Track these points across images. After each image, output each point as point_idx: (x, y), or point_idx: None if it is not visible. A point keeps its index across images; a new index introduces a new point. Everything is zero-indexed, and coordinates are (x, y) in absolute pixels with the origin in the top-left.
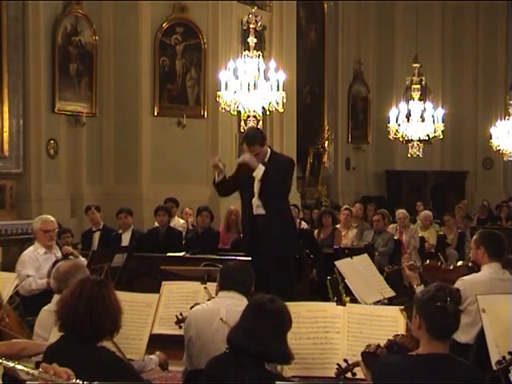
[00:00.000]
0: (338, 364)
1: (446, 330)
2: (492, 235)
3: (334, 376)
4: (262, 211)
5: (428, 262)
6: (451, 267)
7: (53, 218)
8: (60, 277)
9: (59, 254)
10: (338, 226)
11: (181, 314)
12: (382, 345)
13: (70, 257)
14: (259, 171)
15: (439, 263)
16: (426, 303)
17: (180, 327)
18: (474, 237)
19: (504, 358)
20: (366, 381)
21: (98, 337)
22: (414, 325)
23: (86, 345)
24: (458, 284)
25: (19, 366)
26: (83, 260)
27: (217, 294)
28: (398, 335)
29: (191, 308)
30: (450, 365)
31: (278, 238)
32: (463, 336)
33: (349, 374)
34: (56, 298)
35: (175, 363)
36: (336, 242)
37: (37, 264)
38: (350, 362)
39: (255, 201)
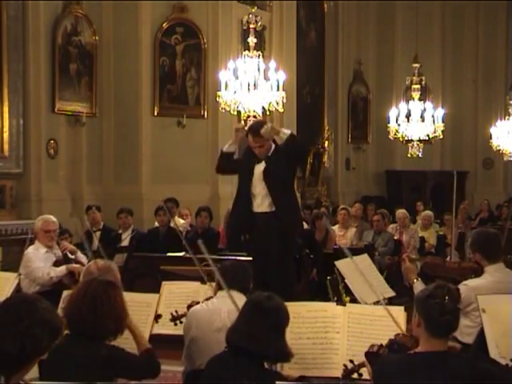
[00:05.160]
0: (344, 365)
1: (444, 327)
2: (484, 237)
3: (335, 376)
4: (265, 209)
5: (429, 258)
6: (456, 265)
7: (54, 219)
8: (87, 276)
9: (60, 253)
10: (336, 226)
11: (176, 312)
12: (384, 344)
13: (68, 253)
14: (284, 135)
15: (443, 261)
16: (424, 300)
17: (175, 324)
18: (469, 241)
19: (507, 365)
20: (370, 381)
21: (100, 336)
22: (414, 323)
23: (87, 343)
24: (461, 289)
25: None
26: (83, 256)
27: (215, 294)
28: (399, 334)
29: (188, 306)
30: (448, 362)
31: (270, 233)
32: (465, 337)
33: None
34: None
35: (175, 363)
36: (330, 244)
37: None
38: (355, 363)
39: (259, 198)
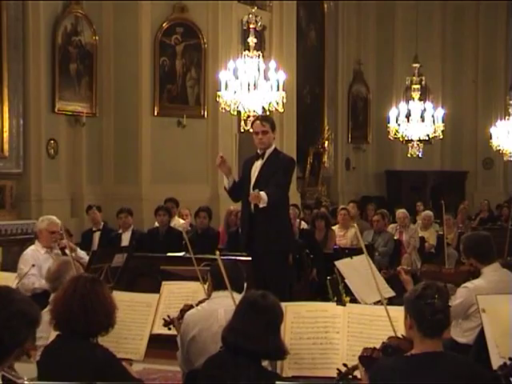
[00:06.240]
0: (338, 369)
1: (436, 327)
2: (475, 241)
3: (334, 377)
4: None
5: (425, 266)
6: (452, 271)
7: (58, 220)
8: (52, 276)
9: (60, 253)
10: (336, 226)
11: (168, 317)
12: (377, 347)
13: (67, 251)
14: (264, 200)
15: (439, 268)
16: (414, 302)
17: (169, 329)
18: (461, 247)
19: (505, 364)
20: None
21: (93, 333)
22: (406, 325)
23: (81, 342)
24: (462, 292)
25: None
26: (83, 253)
27: (209, 296)
28: (392, 337)
29: (181, 310)
30: (445, 362)
31: (268, 233)
32: (465, 339)
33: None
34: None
35: (175, 363)
36: (330, 244)
37: (38, 263)
38: (349, 366)
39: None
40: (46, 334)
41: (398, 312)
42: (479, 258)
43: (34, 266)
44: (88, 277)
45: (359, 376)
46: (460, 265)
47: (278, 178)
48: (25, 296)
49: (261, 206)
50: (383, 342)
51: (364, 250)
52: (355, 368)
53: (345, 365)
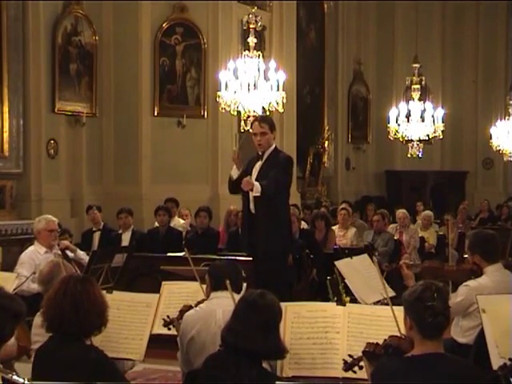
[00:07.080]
0: (344, 360)
1: (437, 329)
2: (482, 238)
3: (335, 376)
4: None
5: (427, 262)
6: (454, 268)
7: (55, 218)
8: (44, 279)
9: (60, 253)
10: (336, 226)
11: (168, 317)
12: (380, 343)
13: (68, 252)
14: (257, 188)
15: (442, 264)
16: (414, 304)
17: (169, 329)
18: (466, 242)
19: (505, 364)
20: (366, 381)
21: (85, 333)
22: (406, 326)
23: (74, 343)
24: (463, 290)
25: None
26: (82, 253)
27: (208, 296)
28: (393, 337)
29: (181, 311)
30: (445, 364)
31: (268, 233)
32: (466, 339)
33: (355, 368)
34: None
35: (175, 363)
36: (330, 244)
37: (36, 263)
38: (355, 357)
39: (251, 195)
40: (42, 337)
41: (400, 312)
42: (485, 255)
43: (34, 273)
44: (78, 277)
45: (364, 369)
46: (461, 263)
47: (276, 172)
48: (5, 292)
49: (254, 194)
50: (385, 340)
51: (372, 257)
52: (361, 359)
53: (350, 356)
